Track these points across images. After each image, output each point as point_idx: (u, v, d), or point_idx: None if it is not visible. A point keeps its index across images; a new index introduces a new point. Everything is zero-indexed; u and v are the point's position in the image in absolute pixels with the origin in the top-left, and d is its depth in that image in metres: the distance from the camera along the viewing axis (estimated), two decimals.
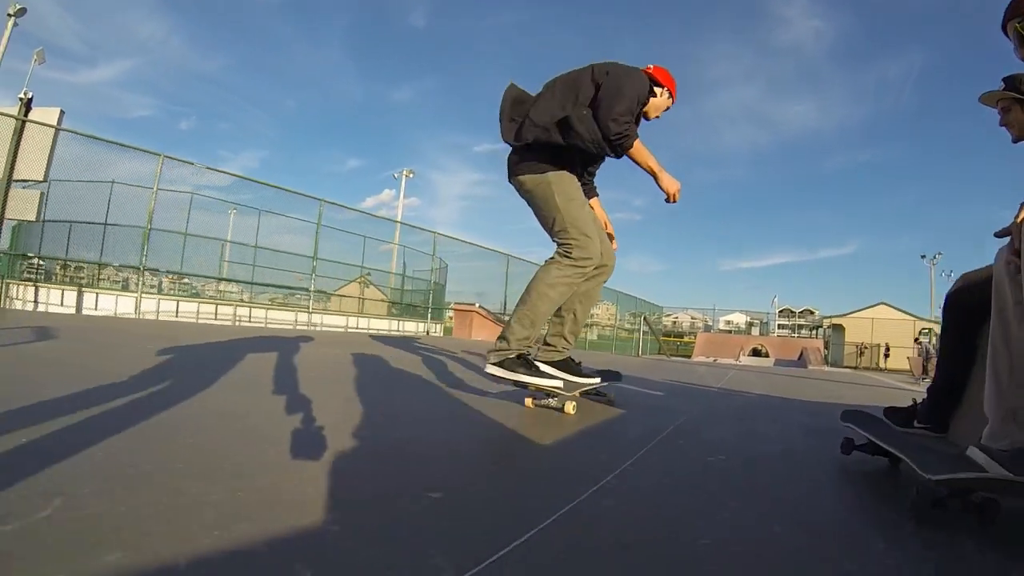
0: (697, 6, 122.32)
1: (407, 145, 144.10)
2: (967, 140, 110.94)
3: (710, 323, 52.07)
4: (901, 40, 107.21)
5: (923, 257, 42.82)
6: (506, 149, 2.66)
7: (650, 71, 2.62)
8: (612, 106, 2.31)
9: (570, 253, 2.46)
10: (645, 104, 2.56)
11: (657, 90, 2.63)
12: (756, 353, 33.46)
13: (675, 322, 70.71)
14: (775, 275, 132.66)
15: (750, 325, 57.86)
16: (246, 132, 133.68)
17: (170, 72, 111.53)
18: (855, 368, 31.11)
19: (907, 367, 30.42)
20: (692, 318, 63.97)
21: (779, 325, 60.59)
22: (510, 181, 2.63)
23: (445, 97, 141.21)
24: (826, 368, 17.38)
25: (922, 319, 36.12)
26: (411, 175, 36.05)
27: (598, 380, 2.75)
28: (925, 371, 26.28)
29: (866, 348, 31.78)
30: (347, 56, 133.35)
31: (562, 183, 2.49)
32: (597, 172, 2.94)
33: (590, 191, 2.90)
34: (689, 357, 29.90)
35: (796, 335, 59.48)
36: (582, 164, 2.66)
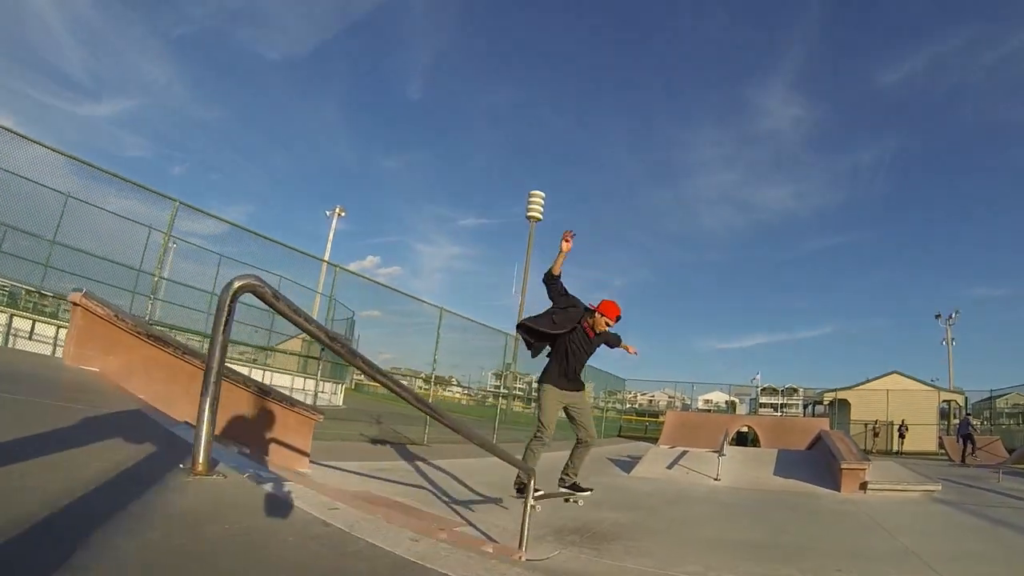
0: (682, 95, 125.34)
1: (393, 214, 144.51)
2: (940, 222, 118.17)
3: (688, 402, 47.75)
4: (875, 128, 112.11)
5: (938, 317, 38.92)
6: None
7: (592, 306, 5.94)
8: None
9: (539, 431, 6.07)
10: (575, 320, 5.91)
11: (596, 315, 5.93)
12: (741, 439, 27.68)
13: (651, 401, 66.27)
14: (753, 356, 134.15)
15: (733, 404, 53.07)
16: (236, 185, 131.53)
17: (169, 116, 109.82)
18: (870, 451, 25.61)
19: (931, 448, 25.24)
20: (669, 396, 60.33)
21: (760, 404, 56.05)
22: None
23: (434, 169, 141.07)
24: (864, 468, 11.34)
25: (944, 390, 31.04)
26: (343, 214, 37.31)
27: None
28: (964, 458, 21.38)
29: (880, 427, 26.30)
30: (341, 120, 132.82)
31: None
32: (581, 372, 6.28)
33: (577, 385, 6.23)
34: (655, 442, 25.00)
35: (782, 415, 54.08)
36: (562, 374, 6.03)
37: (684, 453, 14.15)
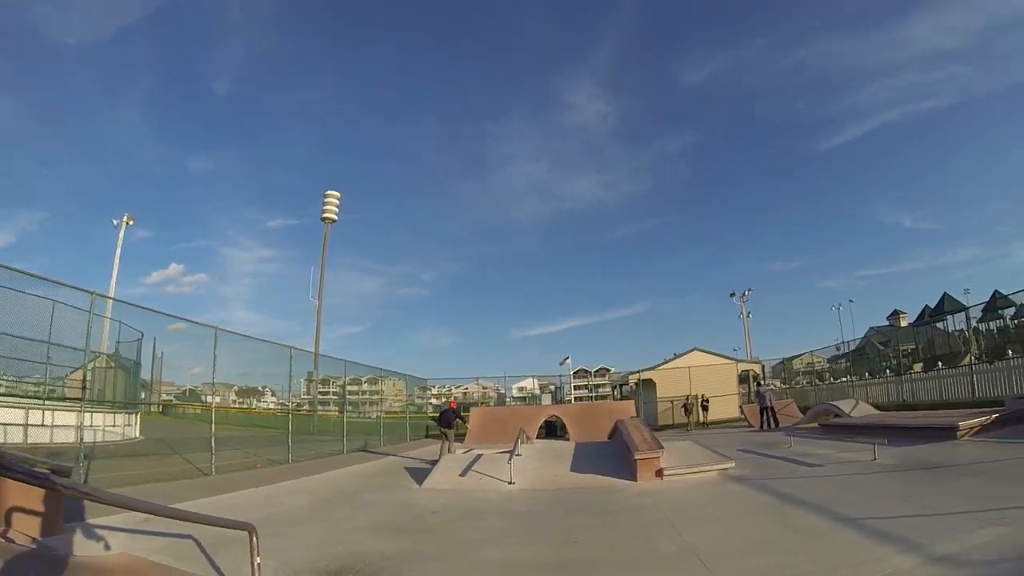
0: (493, 90, 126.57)
1: (199, 218, 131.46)
2: (736, 206, 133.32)
3: (503, 391, 48.22)
4: (675, 121, 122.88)
5: (732, 295, 42.84)
6: None
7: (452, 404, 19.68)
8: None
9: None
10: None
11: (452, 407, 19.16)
12: (550, 430, 27.70)
13: (465, 393, 66.37)
14: (567, 338, 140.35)
15: (543, 391, 54.34)
16: (27, 190, 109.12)
17: None
18: (685, 426, 27.08)
19: (735, 415, 27.18)
20: (483, 388, 61.67)
21: (575, 387, 58.11)
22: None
23: (241, 170, 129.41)
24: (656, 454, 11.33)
25: (741, 360, 33.81)
26: (131, 222, 34.94)
27: None
28: (764, 423, 22.96)
29: (692, 401, 27.83)
30: (145, 117, 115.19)
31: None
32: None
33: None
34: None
35: (594, 396, 56.64)
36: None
37: (479, 457, 13.45)
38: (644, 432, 13.41)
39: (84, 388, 12.23)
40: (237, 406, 39.52)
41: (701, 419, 28.05)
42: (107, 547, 5.88)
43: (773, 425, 22.84)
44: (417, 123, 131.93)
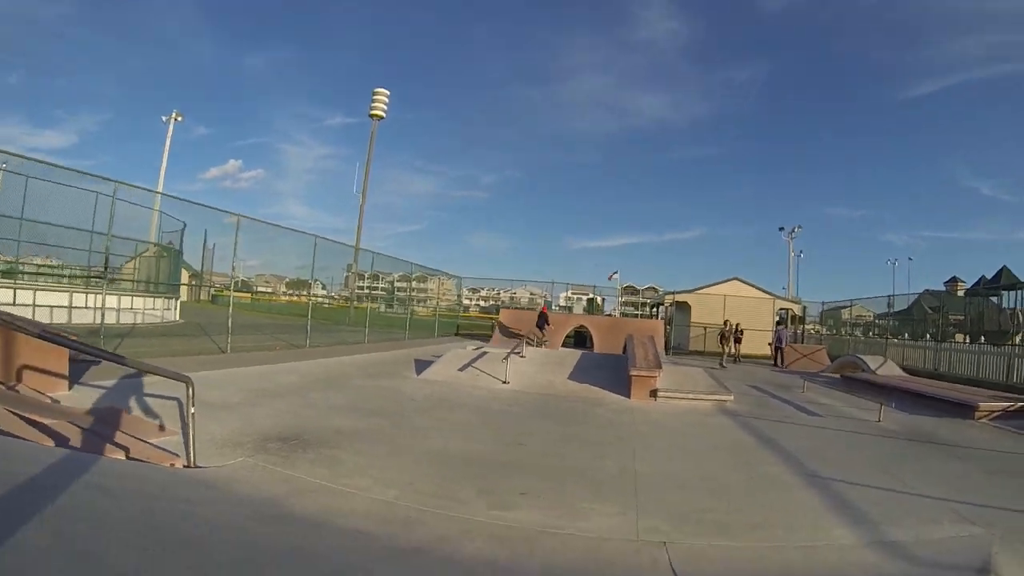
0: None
1: (256, 115, 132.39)
2: (807, 141, 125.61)
3: (550, 299, 48.14)
4: (749, 49, 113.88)
5: (781, 230, 41.09)
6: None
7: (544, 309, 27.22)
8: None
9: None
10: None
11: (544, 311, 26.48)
12: (580, 340, 27.90)
13: (512, 298, 66.95)
14: (622, 254, 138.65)
15: (590, 300, 54.28)
16: (85, 92, 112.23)
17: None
18: (724, 355, 26.52)
19: (766, 352, 26.47)
20: (531, 294, 61.16)
21: (623, 303, 57.70)
22: None
23: (298, 68, 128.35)
24: (657, 366, 11.00)
25: (780, 298, 32.67)
26: (180, 119, 35.55)
27: None
28: (778, 361, 22.68)
29: (729, 330, 27.01)
30: (197, 15, 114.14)
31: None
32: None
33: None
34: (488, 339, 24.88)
35: (640, 315, 56.21)
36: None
37: (483, 354, 13.31)
38: (649, 350, 12.99)
39: (105, 269, 12.59)
40: (286, 296, 40.38)
41: (733, 350, 27.31)
42: (97, 400, 6.67)
43: (782, 363, 22.96)
44: (472, 28, 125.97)
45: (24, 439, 4.18)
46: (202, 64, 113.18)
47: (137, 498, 3.55)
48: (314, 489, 4.70)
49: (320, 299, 34.21)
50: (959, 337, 21.90)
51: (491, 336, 26.79)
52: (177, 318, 22.31)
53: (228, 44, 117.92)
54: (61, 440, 4.49)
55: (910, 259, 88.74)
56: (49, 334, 5.81)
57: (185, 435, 5.03)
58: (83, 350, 5.64)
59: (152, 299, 20.51)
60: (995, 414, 10.68)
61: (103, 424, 5.28)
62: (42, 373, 6.68)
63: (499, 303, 58.77)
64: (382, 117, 49.72)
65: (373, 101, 49.43)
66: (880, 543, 4.39)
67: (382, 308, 34.61)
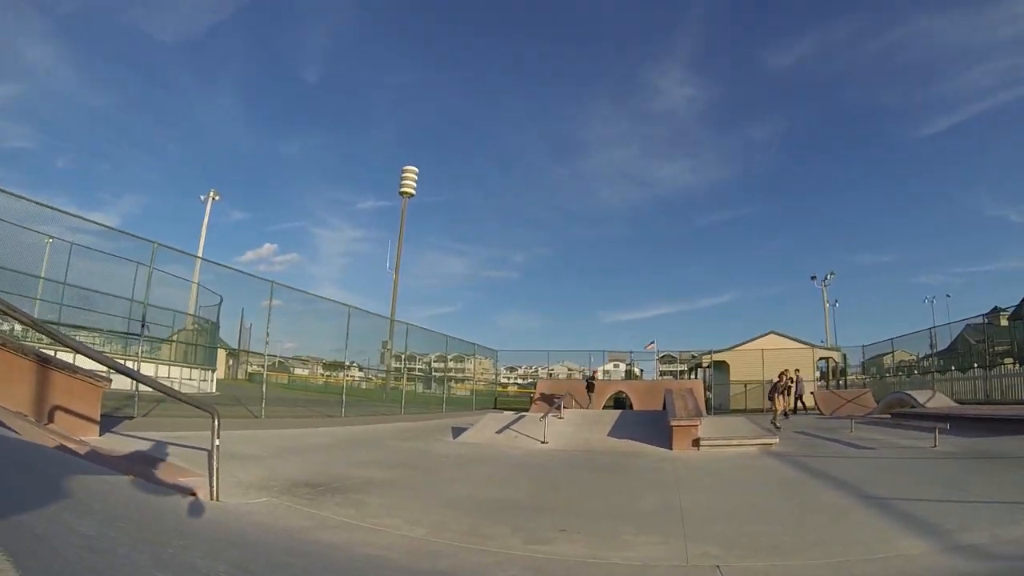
0: (577, 73, 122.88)
1: (291, 201, 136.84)
2: (825, 196, 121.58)
3: (588, 374, 47.54)
4: (764, 107, 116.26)
5: (813, 279, 40.45)
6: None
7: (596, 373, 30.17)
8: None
9: None
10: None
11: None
12: (619, 404, 27.42)
13: (550, 374, 66.38)
14: (656, 324, 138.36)
15: (628, 371, 53.58)
16: (128, 176, 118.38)
17: (53, 103, 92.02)
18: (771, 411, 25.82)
19: (808, 404, 25.60)
20: (569, 369, 59.85)
21: (661, 372, 56.89)
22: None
23: (331, 153, 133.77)
24: (696, 423, 10.63)
25: (819, 347, 31.92)
26: (217, 198, 36.11)
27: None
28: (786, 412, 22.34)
29: (789, 382, 26.35)
30: (238, 106, 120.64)
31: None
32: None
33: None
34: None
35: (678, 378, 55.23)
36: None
37: (520, 417, 13.07)
38: (688, 402, 12.65)
39: (142, 326, 12.78)
40: (323, 376, 40.85)
41: (785, 405, 25.98)
42: (126, 447, 6.60)
43: (791, 409, 22.09)
44: (503, 106, 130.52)
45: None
46: (239, 151, 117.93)
47: (154, 524, 3.42)
48: (338, 525, 4.56)
49: (356, 379, 34.32)
50: (1008, 362, 21.06)
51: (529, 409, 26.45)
52: (213, 390, 22.30)
53: (263, 131, 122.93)
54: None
55: (948, 296, 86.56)
56: (80, 346, 5.85)
57: (210, 472, 4.85)
58: (111, 365, 5.55)
59: (189, 370, 20.56)
60: None
61: (129, 462, 5.24)
62: (73, 416, 6.66)
63: (537, 379, 58.41)
64: (412, 195, 50.49)
65: (403, 179, 50.34)
66: (955, 548, 4.05)
67: (419, 388, 34.46)
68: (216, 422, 5.04)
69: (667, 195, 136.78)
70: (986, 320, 25.35)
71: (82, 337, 17.54)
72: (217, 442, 4.90)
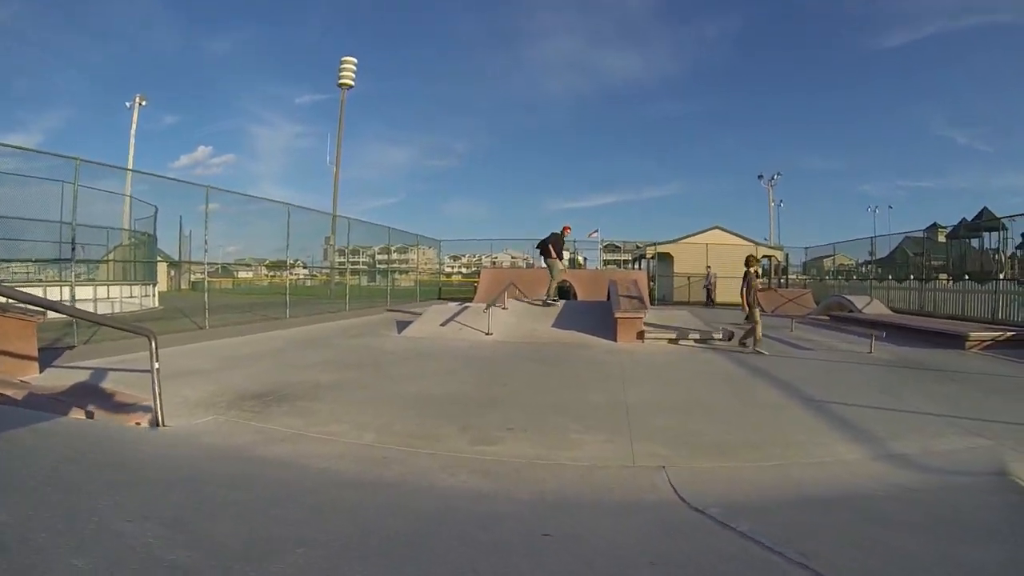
0: None
1: (224, 100, 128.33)
2: (777, 98, 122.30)
3: (532, 262, 47.75)
4: (720, 1, 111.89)
5: (760, 178, 40.87)
6: None
7: (566, 230, 15.57)
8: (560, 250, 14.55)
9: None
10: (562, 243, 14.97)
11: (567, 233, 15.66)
12: (563, 295, 27.50)
13: (494, 262, 66.41)
14: (600, 214, 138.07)
15: (572, 259, 53.96)
16: (48, 90, 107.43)
17: None
18: (707, 303, 26.63)
19: (739, 301, 26.45)
20: (512, 257, 59.79)
21: (605, 262, 57.53)
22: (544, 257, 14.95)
23: (263, 48, 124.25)
24: (641, 314, 10.73)
25: (763, 244, 32.54)
26: (144, 103, 34.13)
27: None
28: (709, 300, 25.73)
29: (716, 279, 27.10)
30: (157, 1, 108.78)
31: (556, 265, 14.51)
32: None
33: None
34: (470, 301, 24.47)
35: (622, 268, 56.01)
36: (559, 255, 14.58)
37: (464, 308, 12.98)
38: (632, 293, 12.74)
39: (72, 249, 11.98)
40: (267, 277, 39.88)
41: (711, 296, 27.33)
42: (68, 381, 6.24)
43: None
44: None
45: None
46: (164, 53, 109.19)
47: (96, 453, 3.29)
48: (286, 438, 4.45)
49: (300, 277, 33.77)
50: (942, 278, 21.87)
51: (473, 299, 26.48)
52: (156, 304, 21.75)
53: (188, 30, 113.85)
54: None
55: (890, 207, 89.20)
56: None
57: (154, 398, 4.65)
58: (29, 300, 5.09)
59: (129, 287, 19.80)
60: (985, 343, 10.55)
61: (71, 397, 5.04)
62: (10, 357, 6.37)
63: (481, 267, 58.40)
64: (351, 86, 48.17)
65: (341, 70, 48.03)
66: (888, 456, 4.17)
67: (363, 282, 34.10)
68: (154, 344, 4.77)
69: (614, 85, 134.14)
70: (925, 234, 26.14)
71: (14, 268, 16.97)
72: (157, 365, 4.67)
